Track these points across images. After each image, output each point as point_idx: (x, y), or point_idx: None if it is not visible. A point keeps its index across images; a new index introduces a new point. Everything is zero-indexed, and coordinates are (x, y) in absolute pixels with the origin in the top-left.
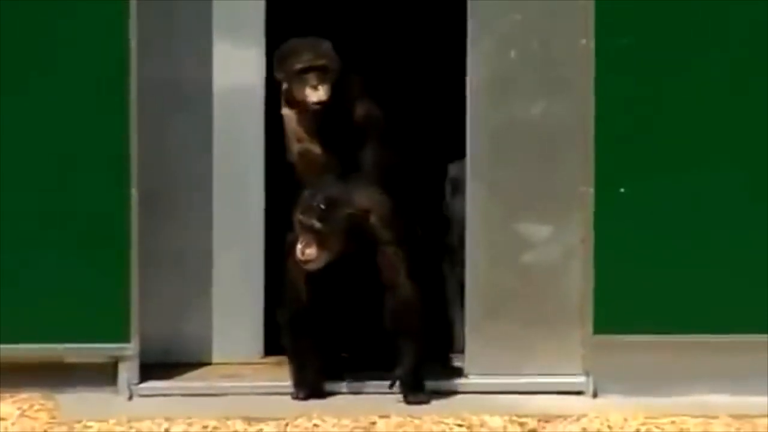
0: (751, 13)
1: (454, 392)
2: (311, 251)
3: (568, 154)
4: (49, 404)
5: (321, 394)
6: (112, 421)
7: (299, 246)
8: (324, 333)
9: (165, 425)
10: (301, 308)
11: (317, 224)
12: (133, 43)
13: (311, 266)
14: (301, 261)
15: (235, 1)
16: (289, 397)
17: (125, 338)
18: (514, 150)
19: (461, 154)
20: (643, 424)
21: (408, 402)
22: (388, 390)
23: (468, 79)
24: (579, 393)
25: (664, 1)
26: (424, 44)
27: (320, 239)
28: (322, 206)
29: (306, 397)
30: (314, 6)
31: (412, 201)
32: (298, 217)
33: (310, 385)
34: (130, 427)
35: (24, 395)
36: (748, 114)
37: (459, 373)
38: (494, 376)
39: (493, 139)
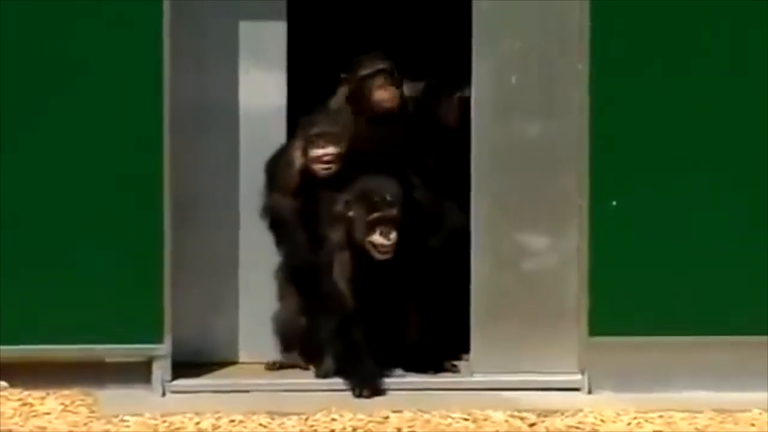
0: (741, 32)
1: (461, 389)
2: (393, 237)
3: (565, 169)
4: (89, 400)
5: (381, 390)
6: (146, 415)
7: (378, 236)
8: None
9: (195, 419)
10: (347, 313)
11: (394, 212)
12: (166, 68)
13: (389, 255)
14: (382, 249)
15: (258, 27)
16: (309, 394)
17: (159, 339)
18: (515, 165)
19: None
20: (634, 418)
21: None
22: (400, 387)
23: (473, 99)
24: (575, 390)
25: (656, 28)
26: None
27: (396, 226)
28: (389, 197)
29: (370, 395)
30: (333, 30)
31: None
32: (373, 215)
33: (373, 383)
34: (163, 421)
35: (66, 392)
36: (735, 131)
37: (466, 371)
38: (498, 374)
39: (496, 155)
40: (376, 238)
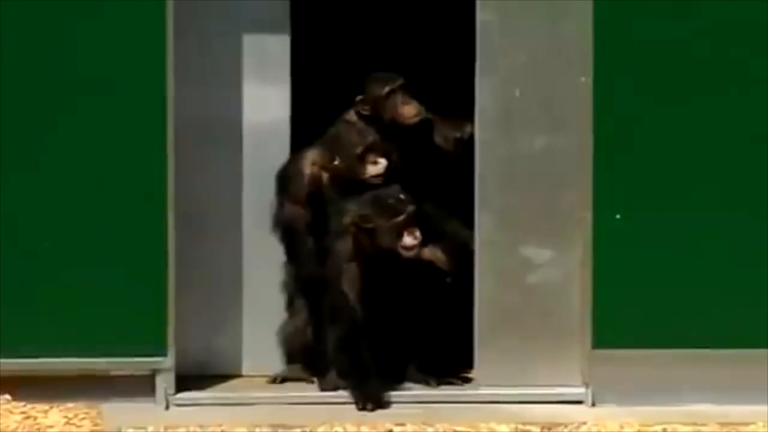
0: (744, 50)
1: (465, 402)
2: (419, 235)
3: (568, 183)
4: (93, 413)
5: (384, 404)
6: (150, 429)
7: (407, 236)
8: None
9: None
10: (354, 325)
11: (412, 209)
12: (170, 82)
13: (416, 252)
14: (409, 248)
15: (262, 41)
16: (313, 407)
17: (163, 352)
18: (518, 179)
19: None
20: (638, 431)
21: None
22: (404, 400)
23: (476, 113)
24: (579, 403)
25: (659, 41)
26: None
27: (416, 223)
28: (402, 196)
29: (374, 409)
30: (337, 44)
31: None
32: (396, 220)
33: (377, 396)
34: None
35: (69, 405)
36: (738, 147)
37: (471, 384)
38: (502, 387)
39: (500, 169)
40: (406, 240)
